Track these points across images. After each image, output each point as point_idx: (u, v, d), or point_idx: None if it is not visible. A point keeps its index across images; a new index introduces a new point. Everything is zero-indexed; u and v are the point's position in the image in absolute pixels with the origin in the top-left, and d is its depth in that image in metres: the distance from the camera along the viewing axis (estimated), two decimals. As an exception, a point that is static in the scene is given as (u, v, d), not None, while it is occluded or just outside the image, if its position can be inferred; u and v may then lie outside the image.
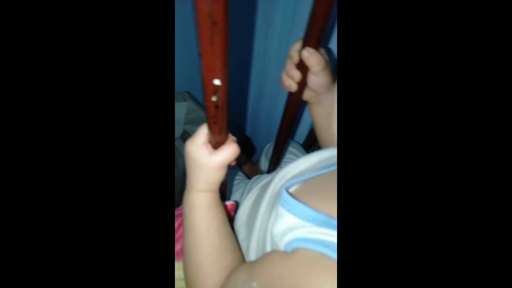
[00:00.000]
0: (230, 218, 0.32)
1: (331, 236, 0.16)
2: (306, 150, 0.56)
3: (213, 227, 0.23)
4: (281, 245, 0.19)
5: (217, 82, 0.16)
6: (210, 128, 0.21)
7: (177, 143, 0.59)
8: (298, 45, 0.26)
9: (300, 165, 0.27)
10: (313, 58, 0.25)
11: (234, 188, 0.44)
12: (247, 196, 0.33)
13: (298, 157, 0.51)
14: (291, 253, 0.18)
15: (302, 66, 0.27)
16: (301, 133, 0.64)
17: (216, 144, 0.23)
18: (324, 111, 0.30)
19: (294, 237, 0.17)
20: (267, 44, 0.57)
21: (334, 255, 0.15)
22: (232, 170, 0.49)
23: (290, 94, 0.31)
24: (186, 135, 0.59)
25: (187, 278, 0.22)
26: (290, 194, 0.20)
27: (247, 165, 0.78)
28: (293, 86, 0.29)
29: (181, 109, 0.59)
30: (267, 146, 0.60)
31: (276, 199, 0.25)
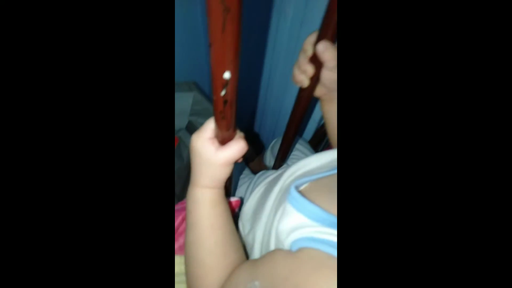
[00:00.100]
0: (234, 214, 0.32)
1: (336, 236, 0.16)
2: (313, 148, 0.55)
3: (217, 225, 0.22)
4: (286, 243, 0.18)
5: (227, 75, 0.15)
6: (218, 123, 0.20)
7: (182, 134, 0.58)
8: (313, 37, 0.25)
9: (311, 163, 0.26)
10: (329, 53, 0.23)
11: (239, 183, 0.44)
12: (253, 191, 0.32)
13: (304, 154, 0.50)
14: (296, 252, 0.17)
15: (315, 61, 0.25)
16: (309, 130, 0.62)
17: (223, 139, 0.22)
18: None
19: (300, 236, 0.17)
20: (277, 35, 0.55)
21: None
22: (238, 164, 0.48)
23: (301, 89, 0.30)
24: (192, 126, 0.59)
25: (188, 275, 0.22)
26: (299, 192, 0.19)
27: (252, 161, 0.78)
28: (305, 81, 0.28)
29: (187, 100, 0.58)
30: (272, 142, 0.59)
31: (284, 196, 0.25)
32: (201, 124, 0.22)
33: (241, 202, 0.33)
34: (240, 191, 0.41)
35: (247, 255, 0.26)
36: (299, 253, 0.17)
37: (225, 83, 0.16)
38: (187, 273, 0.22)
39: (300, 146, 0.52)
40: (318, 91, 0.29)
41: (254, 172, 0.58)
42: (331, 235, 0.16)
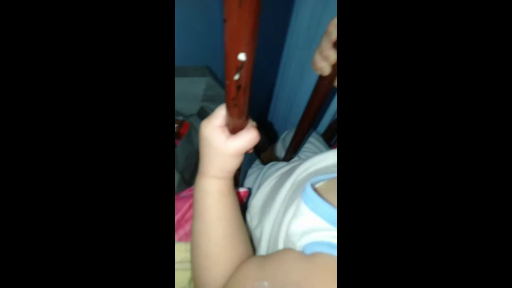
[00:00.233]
0: (242, 205, 0.31)
1: None
2: (326, 141, 0.53)
3: (225, 217, 0.22)
4: (299, 245, 0.17)
5: (242, 57, 0.14)
6: (229, 111, 0.19)
7: (193, 119, 0.57)
8: (336, 20, 0.22)
9: (327, 159, 0.24)
10: None
11: (248, 173, 0.43)
12: (263, 184, 0.31)
13: (317, 147, 0.48)
14: (310, 256, 0.16)
15: (340, 46, 0.23)
16: (323, 122, 0.60)
17: (234, 128, 0.20)
18: None
19: (315, 239, 0.16)
20: (297, 18, 0.51)
21: None
22: (249, 154, 0.48)
23: (321, 78, 0.27)
24: (204, 112, 0.58)
25: (193, 265, 0.22)
26: (315, 190, 0.18)
27: (266, 148, 0.77)
28: (326, 69, 0.25)
29: (200, 85, 0.57)
30: (284, 133, 0.57)
31: (296, 192, 0.23)
32: (214, 110, 0.21)
33: (250, 192, 0.32)
34: (248, 182, 0.40)
35: (254, 249, 0.25)
36: (313, 258, 0.16)
37: (240, 66, 0.14)
38: (193, 262, 0.22)
39: (312, 139, 0.50)
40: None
41: (265, 162, 0.57)
42: None
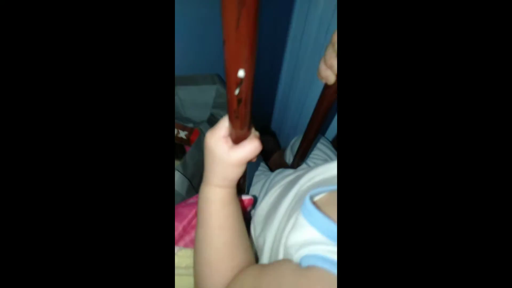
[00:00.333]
0: (247, 213, 0.31)
1: None
2: (336, 148, 0.52)
3: (226, 225, 0.22)
4: (296, 257, 0.17)
5: (241, 73, 0.14)
6: (232, 122, 0.19)
7: (203, 126, 0.59)
8: (342, 29, 0.22)
9: (332, 170, 0.24)
10: None
11: (254, 180, 0.43)
12: (269, 192, 0.32)
13: (326, 154, 0.48)
14: (306, 269, 0.16)
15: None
16: (332, 128, 0.59)
17: (237, 138, 0.21)
18: None
19: (311, 252, 0.16)
20: (305, 25, 0.51)
21: None
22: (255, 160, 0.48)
23: (326, 86, 0.27)
24: (214, 119, 0.59)
25: (195, 271, 0.23)
26: (314, 203, 0.18)
27: (273, 154, 0.77)
28: (331, 78, 0.25)
29: (209, 92, 0.59)
30: (293, 140, 0.57)
31: (298, 203, 0.23)
32: (223, 117, 0.21)
33: (255, 200, 0.32)
34: (255, 189, 0.40)
35: (256, 258, 0.25)
36: (308, 271, 0.16)
37: (239, 81, 0.15)
38: (195, 269, 0.23)
39: (321, 146, 0.50)
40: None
41: (274, 169, 0.57)
42: None
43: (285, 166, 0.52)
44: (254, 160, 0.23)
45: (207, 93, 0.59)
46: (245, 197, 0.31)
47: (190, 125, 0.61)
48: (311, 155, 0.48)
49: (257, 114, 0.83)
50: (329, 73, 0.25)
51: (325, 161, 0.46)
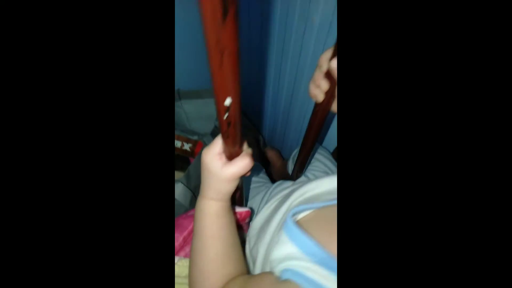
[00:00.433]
0: (244, 225, 0.33)
1: (326, 279, 0.15)
2: (335, 158, 0.53)
3: (218, 236, 0.23)
4: (277, 270, 0.18)
5: (228, 102, 0.16)
6: (224, 141, 0.21)
7: (207, 139, 0.62)
8: (328, 54, 0.24)
9: (322, 186, 0.25)
10: None
11: (255, 192, 0.44)
12: (266, 206, 0.33)
13: (325, 165, 0.48)
14: (282, 282, 0.17)
15: (330, 76, 0.25)
16: (333, 138, 0.60)
17: (230, 155, 0.23)
18: None
19: (289, 267, 0.17)
20: (303, 43, 0.54)
21: None
22: (253, 171, 0.49)
23: (316, 104, 0.29)
24: (217, 132, 0.62)
25: (190, 278, 0.24)
26: (297, 221, 0.19)
27: (278, 163, 0.78)
28: (319, 96, 0.27)
29: (213, 106, 0.61)
30: (294, 152, 0.58)
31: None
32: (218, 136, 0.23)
33: (252, 212, 0.34)
34: (256, 200, 0.42)
35: (249, 268, 0.26)
36: (285, 284, 0.17)
37: (227, 108, 0.17)
38: (189, 276, 0.24)
39: (321, 157, 0.51)
40: (335, 107, 0.28)
41: (278, 179, 0.57)
42: (318, 274, 0.16)
43: (288, 177, 0.54)
44: (248, 174, 0.25)
45: (211, 107, 0.62)
46: (242, 210, 0.32)
47: (195, 137, 0.64)
48: (311, 167, 0.49)
49: (261, 127, 0.85)
50: (317, 91, 0.27)
51: (325, 173, 0.46)
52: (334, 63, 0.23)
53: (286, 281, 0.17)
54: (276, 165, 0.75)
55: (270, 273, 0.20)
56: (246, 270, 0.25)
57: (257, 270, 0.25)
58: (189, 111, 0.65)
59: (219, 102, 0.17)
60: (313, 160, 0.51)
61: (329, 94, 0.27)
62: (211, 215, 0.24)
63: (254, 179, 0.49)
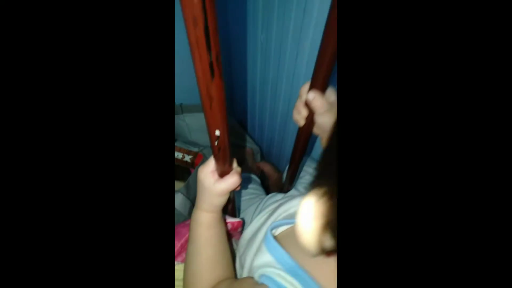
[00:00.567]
0: (237, 233, 0.36)
1: (291, 284, 0.19)
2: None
3: (209, 244, 0.27)
4: (256, 276, 0.22)
5: (217, 133, 0.21)
6: (216, 161, 0.25)
7: (206, 151, 0.66)
8: (306, 86, 0.29)
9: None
10: (316, 102, 0.27)
11: (248, 203, 0.48)
12: (257, 217, 0.36)
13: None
14: (259, 285, 0.21)
15: (309, 105, 0.29)
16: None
17: (221, 173, 0.27)
18: None
19: (265, 273, 0.21)
20: (296, 63, 0.59)
21: None
22: (245, 184, 0.53)
23: (299, 127, 0.33)
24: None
25: (184, 280, 0.28)
26: (276, 234, 0.23)
27: (275, 175, 0.81)
28: (301, 121, 0.31)
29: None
30: (288, 166, 0.62)
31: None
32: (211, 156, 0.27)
33: (244, 222, 0.37)
34: (248, 212, 0.45)
35: (239, 273, 0.30)
36: (260, 287, 0.21)
37: (217, 137, 0.21)
38: (184, 278, 0.28)
39: (310, 169, 0.54)
40: (315, 129, 0.32)
41: (272, 189, 0.60)
42: (286, 281, 0.20)
43: (282, 189, 0.57)
44: (238, 189, 0.29)
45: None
46: (234, 220, 0.35)
47: (196, 149, 0.68)
48: (301, 180, 0.53)
49: (260, 140, 0.90)
50: (299, 117, 0.31)
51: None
52: (310, 95, 0.27)
53: (261, 285, 0.21)
54: (272, 178, 0.79)
55: (251, 278, 0.24)
56: (234, 274, 0.28)
57: (244, 275, 0.28)
58: (191, 124, 0.70)
59: (211, 133, 0.21)
60: (303, 173, 0.54)
61: (309, 120, 0.31)
62: (204, 224, 0.27)
63: (249, 191, 0.53)
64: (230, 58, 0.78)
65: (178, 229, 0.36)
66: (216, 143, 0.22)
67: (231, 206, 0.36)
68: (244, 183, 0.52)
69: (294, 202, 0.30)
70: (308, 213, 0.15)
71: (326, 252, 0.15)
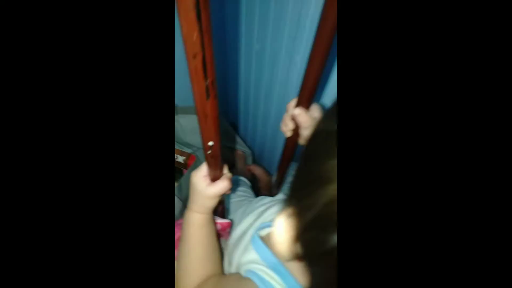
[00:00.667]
0: (226, 233, 0.38)
1: (273, 279, 0.23)
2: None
3: (200, 242, 0.30)
4: (242, 271, 0.25)
5: (210, 143, 0.23)
6: (208, 166, 0.28)
7: (199, 153, 0.68)
8: (293, 102, 0.32)
9: None
10: (301, 117, 0.30)
11: (237, 205, 0.50)
12: (246, 219, 0.39)
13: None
14: (244, 279, 0.24)
15: (294, 119, 0.32)
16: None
17: (213, 177, 0.29)
18: None
19: (251, 268, 0.24)
20: (288, 74, 0.62)
21: None
22: (235, 186, 0.55)
23: (287, 138, 0.36)
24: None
25: (176, 276, 0.30)
26: (262, 235, 0.26)
27: (265, 178, 0.84)
28: (288, 133, 0.34)
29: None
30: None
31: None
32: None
33: (232, 223, 0.39)
34: (237, 214, 0.47)
35: (227, 270, 0.33)
36: (245, 280, 0.24)
37: (210, 147, 0.24)
38: (176, 274, 0.30)
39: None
40: (301, 141, 0.35)
41: (264, 193, 0.63)
42: (269, 276, 0.23)
43: (271, 191, 0.60)
44: (228, 192, 0.31)
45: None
46: (223, 221, 0.38)
47: (189, 150, 0.70)
48: (287, 186, 0.56)
49: (252, 144, 0.92)
50: (286, 129, 0.34)
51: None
52: (296, 111, 0.30)
53: (246, 278, 0.24)
54: (263, 181, 0.82)
55: (238, 273, 0.27)
56: (222, 271, 0.31)
57: (232, 271, 0.31)
58: (185, 125, 0.71)
59: (204, 143, 0.23)
60: (290, 178, 0.57)
61: (295, 132, 0.34)
62: (195, 225, 0.30)
63: (238, 193, 0.55)
64: (226, 63, 0.80)
65: (170, 228, 0.38)
66: (209, 152, 0.24)
67: (221, 208, 0.38)
68: (235, 185, 0.55)
69: (279, 207, 0.33)
70: (280, 228, 0.18)
71: (297, 258, 0.18)
